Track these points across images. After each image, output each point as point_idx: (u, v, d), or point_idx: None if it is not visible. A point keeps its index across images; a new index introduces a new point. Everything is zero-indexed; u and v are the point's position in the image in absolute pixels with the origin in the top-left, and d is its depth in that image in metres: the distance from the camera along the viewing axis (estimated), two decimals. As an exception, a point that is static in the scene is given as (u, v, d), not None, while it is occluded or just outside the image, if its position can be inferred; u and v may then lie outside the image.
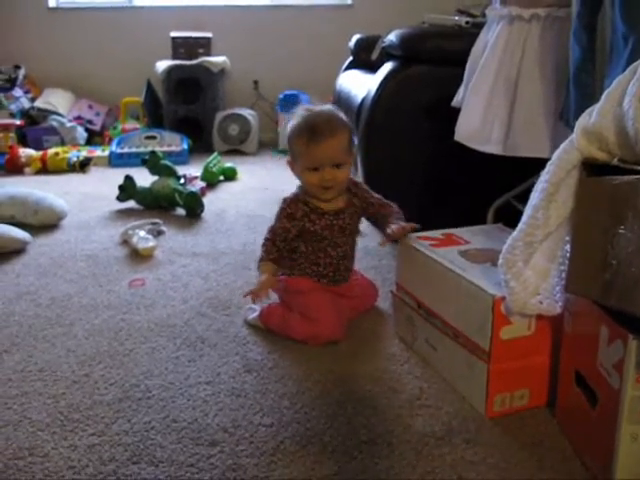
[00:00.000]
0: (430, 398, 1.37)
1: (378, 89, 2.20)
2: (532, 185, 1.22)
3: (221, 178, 3.32)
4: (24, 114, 4.08)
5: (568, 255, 1.18)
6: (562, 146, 1.16)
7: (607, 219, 1.05)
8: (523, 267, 1.20)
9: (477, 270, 1.36)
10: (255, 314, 1.69)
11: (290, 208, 1.64)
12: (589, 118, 1.11)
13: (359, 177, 2.34)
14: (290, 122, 1.64)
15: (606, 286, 1.04)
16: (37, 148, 3.80)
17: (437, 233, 1.58)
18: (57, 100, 4.21)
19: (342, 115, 1.64)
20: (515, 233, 1.21)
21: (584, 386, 1.16)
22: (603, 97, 1.09)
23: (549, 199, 1.15)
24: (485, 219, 2.05)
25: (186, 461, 1.17)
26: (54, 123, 4.01)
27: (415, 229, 1.58)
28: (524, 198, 1.90)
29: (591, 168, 1.11)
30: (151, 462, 1.17)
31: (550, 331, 1.30)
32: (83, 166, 3.62)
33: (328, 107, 1.66)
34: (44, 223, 2.53)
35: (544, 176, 1.18)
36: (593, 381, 1.13)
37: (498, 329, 1.26)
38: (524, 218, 1.19)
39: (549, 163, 1.18)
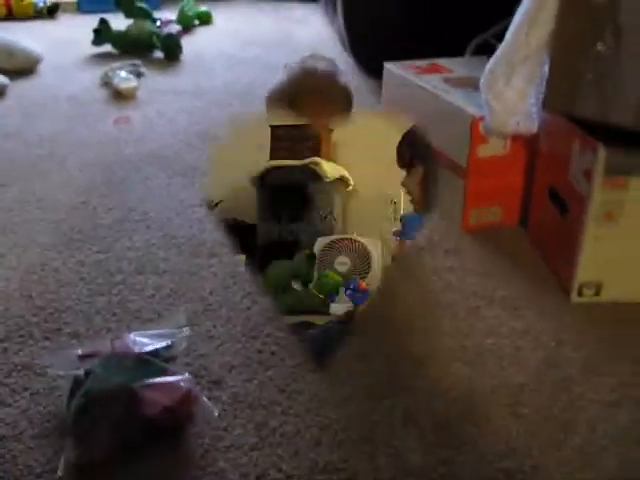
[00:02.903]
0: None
1: None
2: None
3: (196, 22, 3.25)
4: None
5: (546, 77, 1.24)
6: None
7: (586, 36, 1.10)
8: (503, 87, 1.25)
9: (459, 94, 1.42)
10: None
11: None
12: None
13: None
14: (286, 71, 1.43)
15: (583, 100, 1.11)
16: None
17: (422, 62, 1.62)
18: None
19: (339, 82, 1.44)
20: (497, 52, 1.26)
21: (556, 201, 1.26)
22: None
23: (531, 18, 1.19)
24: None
25: (188, 270, 1.27)
26: (17, -34, 3.83)
27: None
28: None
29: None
30: (155, 272, 1.26)
31: (524, 152, 1.38)
32: (51, 12, 3.50)
33: (325, 71, 1.44)
34: (20, 67, 2.48)
35: (527, -3, 1.21)
36: (565, 193, 1.22)
37: (475, 147, 1.34)
38: (506, 37, 1.24)
39: (532, -16, 1.21)
